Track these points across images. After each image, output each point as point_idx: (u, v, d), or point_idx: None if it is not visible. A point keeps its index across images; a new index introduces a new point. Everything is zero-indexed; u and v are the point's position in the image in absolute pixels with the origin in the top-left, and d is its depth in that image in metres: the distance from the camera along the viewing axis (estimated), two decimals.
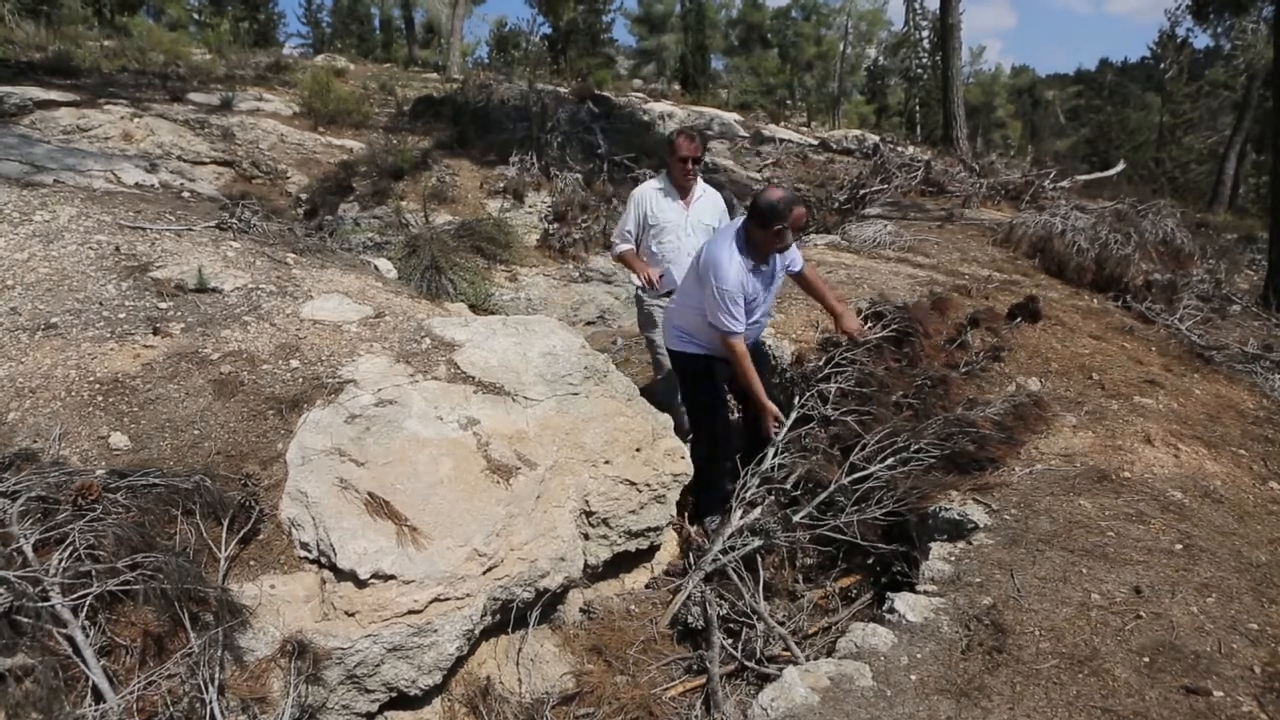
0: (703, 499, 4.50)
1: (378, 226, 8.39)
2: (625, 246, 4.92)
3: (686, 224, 4.80)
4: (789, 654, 3.47)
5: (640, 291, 4.97)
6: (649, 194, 4.87)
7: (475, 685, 3.29)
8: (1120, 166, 15.81)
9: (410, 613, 2.96)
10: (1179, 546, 3.42)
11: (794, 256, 4.45)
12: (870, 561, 4.13)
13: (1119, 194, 10.67)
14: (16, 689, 2.35)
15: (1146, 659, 2.84)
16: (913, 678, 2.87)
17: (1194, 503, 3.74)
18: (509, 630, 3.50)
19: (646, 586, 4.15)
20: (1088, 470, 3.95)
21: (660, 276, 4.76)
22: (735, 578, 3.89)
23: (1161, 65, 30.54)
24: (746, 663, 3.47)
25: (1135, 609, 3.05)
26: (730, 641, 3.62)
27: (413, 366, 3.89)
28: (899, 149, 13.50)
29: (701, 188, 4.92)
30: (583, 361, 4.20)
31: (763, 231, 4.05)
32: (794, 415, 4.53)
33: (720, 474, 4.47)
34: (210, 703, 2.54)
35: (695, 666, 3.57)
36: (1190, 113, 29.21)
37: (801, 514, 4.03)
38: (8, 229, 4.42)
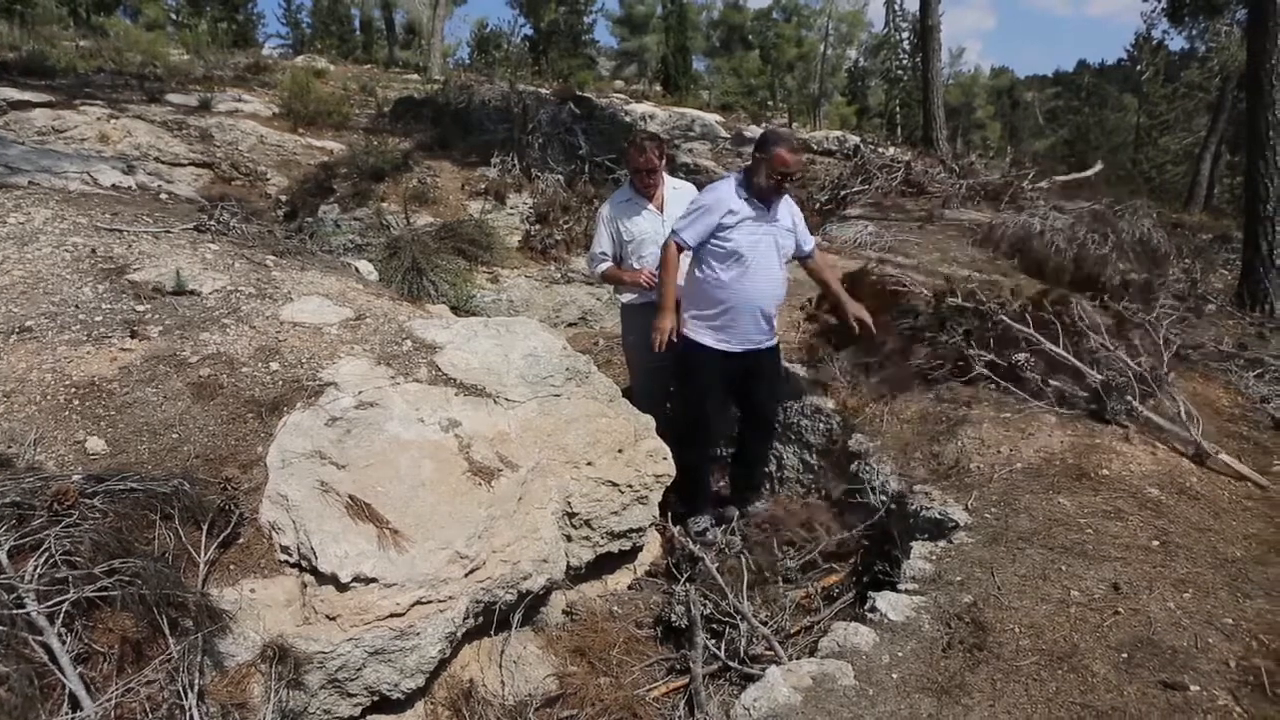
0: (689, 498, 4.50)
1: (358, 228, 8.32)
2: (605, 265, 4.78)
3: (664, 230, 4.59)
4: (772, 654, 3.48)
5: (626, 301, 4.88)
6: (617, 209, 4.73)
7: (458, 688, 3.28)
8: (1098, 167, 15.95)
9: (392, 616, 2.95)
10: (1156, 543, 3.45)
11: (805, 237, 4.44)
12: (853, 560, 4.16)
13: (1097, 194, 10.75)
14: None
15: (1124, 655, 2.86)
16: (894, 676, 2.88)
17: (1171, 500, 3.78)
18: (492, 632, 3.49)
19: (629, 588, 4.15)
20: (1067, 468, 3.98)
21: (653, 272, 4.58)
22: (718, 577, 3.90)
23: (1138, 67, 30.86)
24: (730, 663, 3.48)
25: (1114, 605, 3.08)
26: (713, 641, 3.63)
27: (394, 368, 3.87)
28: (879, 150, 13.54)
29: (672, 184, 4.77)
30: (564, 363, 4.19)
31: (756, 155, 4.13)
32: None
33: (708, 473, 4.49)
34: (190, 709, 2.52)
35: (678, 667, 3.57)
36: (1166, 114, 29.54)
37: None
38: None
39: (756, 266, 4.19)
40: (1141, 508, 3.70)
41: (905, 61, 35.52)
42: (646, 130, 4.39)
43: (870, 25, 40.80)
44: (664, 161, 4.69)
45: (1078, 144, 32.52)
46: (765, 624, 3.70)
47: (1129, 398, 4.33)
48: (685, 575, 4.04)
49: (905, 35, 35.06)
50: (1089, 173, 14.74)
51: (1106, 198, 9.63)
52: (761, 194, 4.15)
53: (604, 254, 4.75)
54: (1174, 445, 4.19)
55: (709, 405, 4.47)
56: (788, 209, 4.36)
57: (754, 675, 3.18)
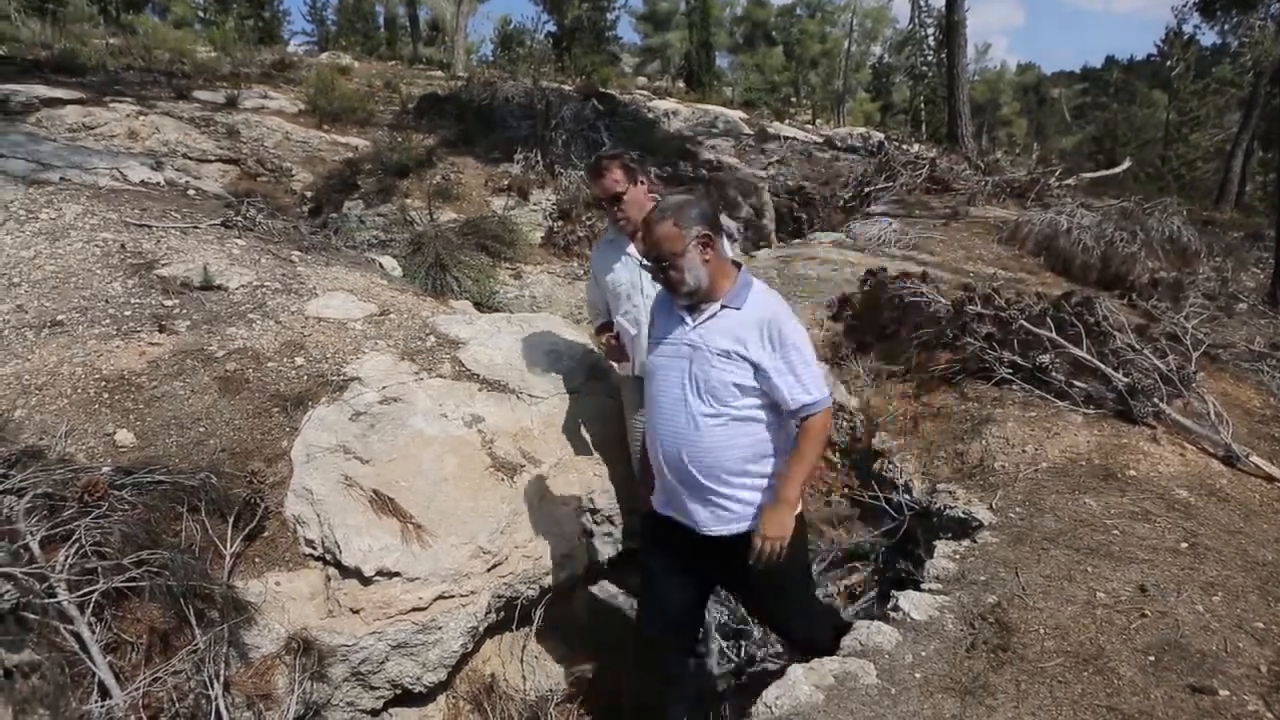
0: None
1: (382, 224, 8.38)
2: (597, 324, 3.75)
3: (642, 283, 3.33)
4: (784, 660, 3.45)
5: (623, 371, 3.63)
6: (598, 253, 3.62)
7: (479, 682, 3.30)
8: (1126, 164, 15.77)
9: (415, 610, 2.97)
10: (1185, 545, 3.41)
11: (790, 385, 2.62)
12: (875, 559, 4.13)
13: (1125, 192, 10.63)
14: (23, 684, 2.36)
15: (1152, 658, 2.83)
16: (917, 676, 2.86)
17: (1200, 501, 3.72)
18: (513, 627, 3.51)
19: None
20: (1093, 469, 3.93)
21: (615, 336, 3.44)
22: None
23: (1168, 63, 30.40)
24: (746, 668, 3.45)
25: (1140, 607, 3.04)
26: (730, 644, 3.61)
27: (417, 364, 3.89)
28: (904, 147, 13.44)
29: None
30: (587, 359, 4.20)
31: None
32: None
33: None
34: (215, 699, 2.55)
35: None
36: (1197, 110, 29.08)
37: None
38: (14, 227, 4.43)
39: (660, 398, 2.72)
40: (1170, 509, 3.64)
41: (930, 58, 35.16)
42: (614, 148, 3.09)
43: (895, 21, 40.61)
44: (641, 186, 3.37)
45: (1106, 141, 32.03)
46: None
47: (1156, 399, 4.27)
48: None
49: (930, 31, 34.71)
50: (1117, 170, 14.58)
51: (1135, 195, 9.51)
52: (667, 286, 2.66)
53: (595, 304, 3.73)
54: (1203, 446, 4.13)
55: (643, 595, 3.08)
56: (747, 329, 2.61)
57: (766, 681, 3.14)
